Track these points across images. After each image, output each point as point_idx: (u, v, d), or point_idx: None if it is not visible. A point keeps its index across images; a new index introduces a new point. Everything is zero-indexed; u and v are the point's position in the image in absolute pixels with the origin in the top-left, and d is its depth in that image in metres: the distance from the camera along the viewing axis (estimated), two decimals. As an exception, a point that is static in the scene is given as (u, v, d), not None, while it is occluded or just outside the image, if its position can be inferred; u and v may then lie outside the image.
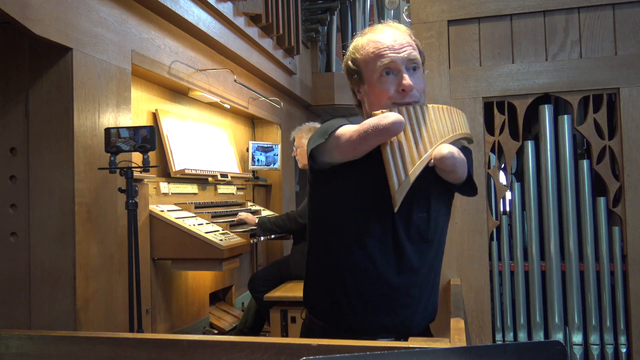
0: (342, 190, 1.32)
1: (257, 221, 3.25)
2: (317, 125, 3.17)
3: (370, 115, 1.24)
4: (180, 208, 3.04)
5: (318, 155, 1.27)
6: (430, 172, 1.22)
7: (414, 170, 1.15)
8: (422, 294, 1.34)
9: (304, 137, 3.22)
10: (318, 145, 1.24)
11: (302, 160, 3.28)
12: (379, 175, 1.21)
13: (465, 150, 1.34)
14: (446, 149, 1.15)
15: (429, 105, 1.24)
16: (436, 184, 1.30)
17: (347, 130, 1.19)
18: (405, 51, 1.26)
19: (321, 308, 1.38)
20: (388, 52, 1.25)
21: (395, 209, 1.15)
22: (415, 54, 1.27)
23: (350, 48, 1.35)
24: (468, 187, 1.33)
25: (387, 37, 1.28)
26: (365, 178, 1.29)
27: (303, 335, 1.44)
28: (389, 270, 1.29)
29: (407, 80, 1.24)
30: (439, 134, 1.21)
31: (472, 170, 1.37)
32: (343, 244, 1.31)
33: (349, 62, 1.34)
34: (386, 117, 1.13)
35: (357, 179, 1.30)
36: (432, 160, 1.17)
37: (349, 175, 1.30)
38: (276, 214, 3.73)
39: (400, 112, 1.18)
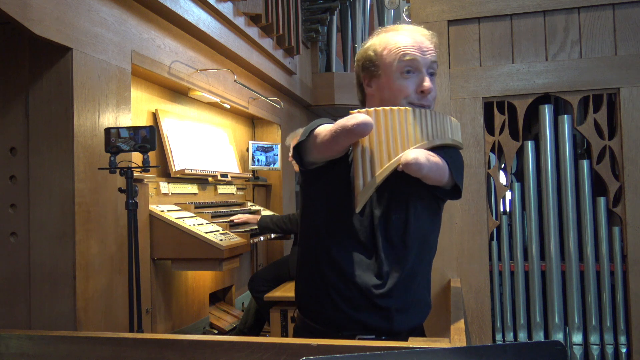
0: (326, 192, 1.32)
1: (258, 220, 3.25)
2: None
3: None
4: (180, 208, 3.04)
5: (302, 154, 1.27)
6: (410, 176, 1.19)
7: (380, 172, 1.13)
8: (401, 298, 1.31)
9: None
10: (300, 143, 1.24)
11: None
12: None
13: (449, 152, 1.27)
14: (412, 154, 1.11)
15: (408, 108, 1.20)
16: (416, 188, 1.27)
17: (324, 129, 1.17)
18: (429, 55, 1.27)
19: (306, 305, 1.39)
20: (414, 51, 1.25)
21: (357, 210, 1.13)
22: (436, 61, 1.29)
23: (372, 41, 1.33)
24: (452, 191, 1.29)
25: (415, 37, 1.28)
26: (347, 180, 1.29)
27: (293, 333, 1.45)
28: (367, 272, 1.29)
29: (428, 82, 1.25)
30: (414, 139, 1.17)
31: (460, 173, 1.30)
32: (326, 244, 1.32)
33: (370, 52, 1.31)
34: (353, 117, 1.09)
35: (339, 180, 1.30)
36: (400, 165, 1.13)
37: (333, 177, 1.30)
38: (276, 214, 3.73)
39: (375, 114, 1.14)
